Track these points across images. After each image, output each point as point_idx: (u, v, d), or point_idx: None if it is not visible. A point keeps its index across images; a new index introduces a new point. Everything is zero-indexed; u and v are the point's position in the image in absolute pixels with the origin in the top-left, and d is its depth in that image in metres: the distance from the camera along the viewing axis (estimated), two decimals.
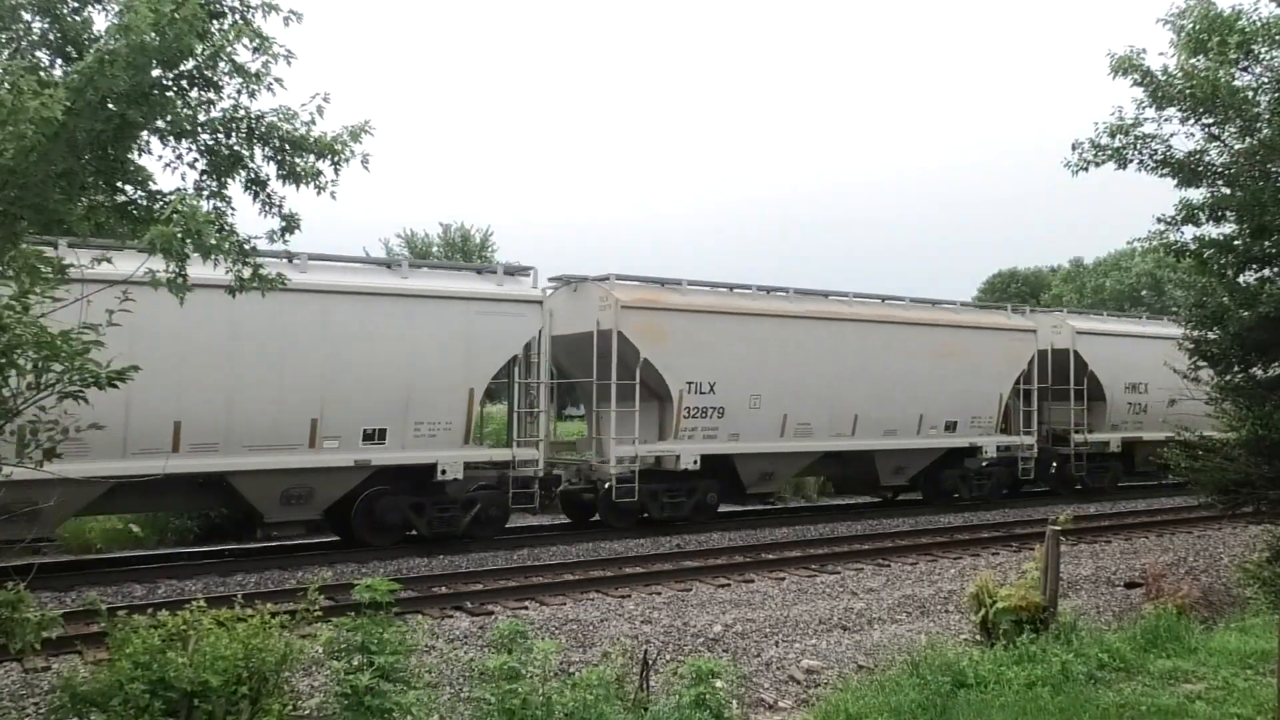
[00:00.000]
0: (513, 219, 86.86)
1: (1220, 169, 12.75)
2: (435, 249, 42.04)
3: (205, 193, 7.08)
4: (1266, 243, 12.51)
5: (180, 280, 6.53)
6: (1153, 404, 23.04)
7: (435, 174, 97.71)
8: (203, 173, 7.07)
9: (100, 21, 6.62)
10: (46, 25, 6.54)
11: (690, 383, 17.33)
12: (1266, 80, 12.40)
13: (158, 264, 6.47)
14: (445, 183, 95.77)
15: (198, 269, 6.67)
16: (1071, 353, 22.98)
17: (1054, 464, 23.44)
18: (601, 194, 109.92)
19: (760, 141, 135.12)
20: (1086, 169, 13.22)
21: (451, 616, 11.06)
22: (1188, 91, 12.18)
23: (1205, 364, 13.50)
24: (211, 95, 6.78)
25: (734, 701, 8.36)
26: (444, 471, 14.86)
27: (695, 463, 17.32)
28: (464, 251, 41.32)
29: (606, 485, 16.79)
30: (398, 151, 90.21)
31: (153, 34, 5.85)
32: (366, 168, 7.28)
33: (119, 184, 7.01)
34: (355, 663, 6.58)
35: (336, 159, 7.13)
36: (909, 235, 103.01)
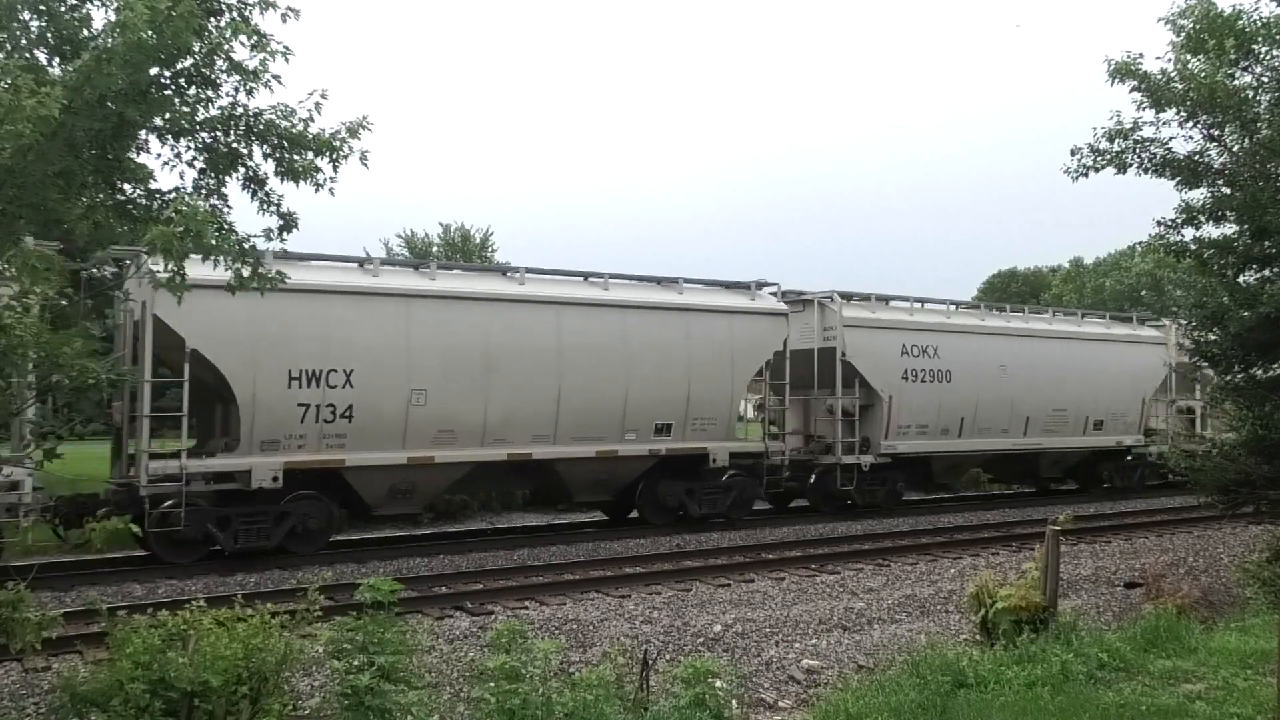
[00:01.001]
0: (506, 212, 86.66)
1: (1220, 169, 12.76)
2: (435, 249, 42.00)
3: (204, 191, 7.08)
4: (1266, 243, 12.51)
5: (179, 280, 6.53)
6: (367, 403, 14.34)
7: (431, 171, 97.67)
8: (201, 171, 7.07)
9: (99, 18, 6.62)
10: (44, 24, 6.54)
11: None
12: (1267, 80, 12.40)
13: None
14: (439, 179, 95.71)
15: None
16: (147, 323, 13.35)
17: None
18: (596, 188, 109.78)
19: (758, 136, 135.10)
20: (1086, 175, 13.24)
21: (451, 616, 11.05)
22: (1187, 93, 12.19)
23: (1207, 364, 13.51)
24: (209, 93, 6.78)
25: (734, 701, 8.34)
26: None
27: None
28: (464, 251, 41.27)
29: None
30: (395, 150, 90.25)
31: (150, 32, 5.85)
32: (365, 164, 7.28)
33: (118, 183, 7.01)
34: (357, 663, 6.57)
35: (335, 156, 7.12)
36: (909, 234, 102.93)
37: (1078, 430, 23.30)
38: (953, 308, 22.27)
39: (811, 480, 19.99)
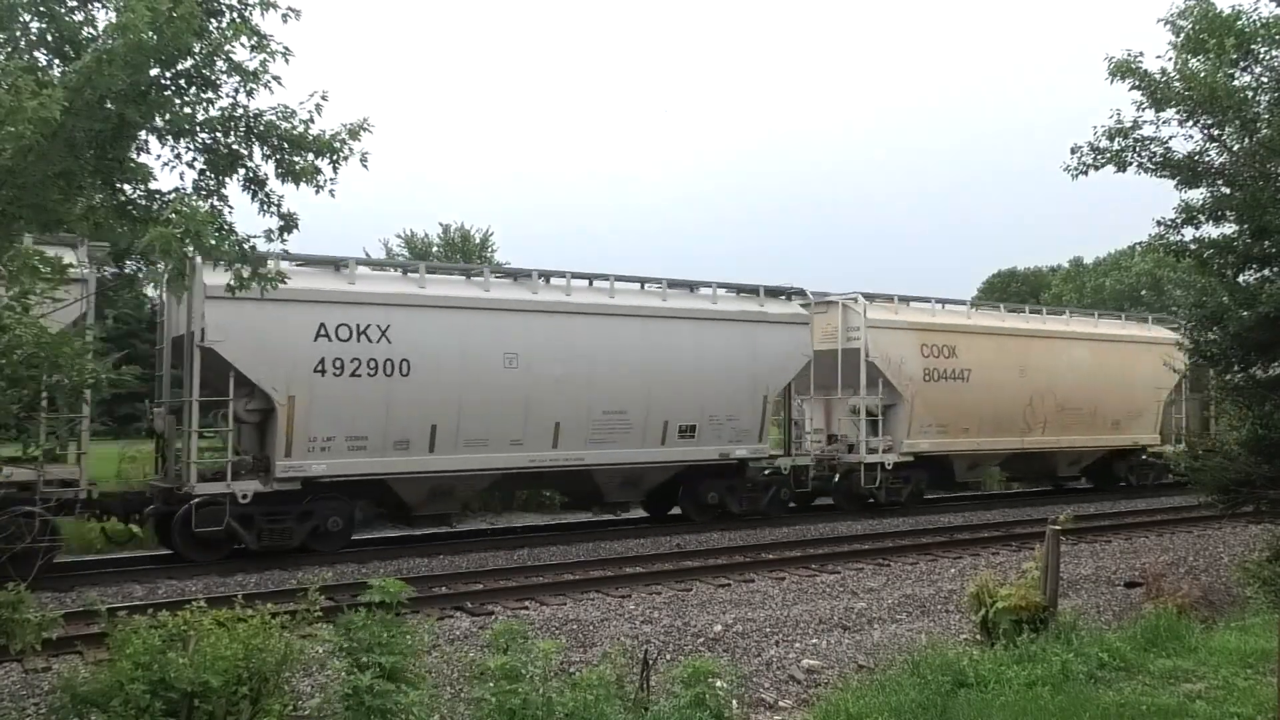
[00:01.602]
0: (506, 212, 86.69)
1: (1220, 169, 12.77)
2: (435, 249, 41.98)
3: (204, 192, 7.08)
4: (1266, 243, 12.52)
5: (179, 280, 6.53)
6: None
7: (431, 172, 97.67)
8: (201, 172, 7.07)
9: (101, 19, 6.62)
10: (44, 25, 6.54)
11: None
12: (1266, 80, 12.40)
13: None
14: (439, 179, 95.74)
15: None
16: None
17: None
18: (596, 188, 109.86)
19: (758, 136, 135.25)
20: (1086, 173, 13.24)
21: (452, 616, 11.05)
22: (1186, 93, 12.20)
23: (1206, 364, 13.52)
24: (210, 94, 6.78)
25: (734, 701, 8.34)
26: None
27: None
28: (464, 252, 41.27)
29: None
30: (396, 150, 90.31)
31: (150, 33, 5.85)
32: (365, 166, 7.28)
33: (118, 183, 7.01)
34: (363, 661, 6.57)
35: (335, 157, 7.13)
36: (909, 232, 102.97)
37: (652, 439, 17.21)
38: (459, 277, 16.81)
39: (177, 516, 13.88)
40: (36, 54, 6.66)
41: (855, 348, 20.16)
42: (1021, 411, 22.13)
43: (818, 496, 21.00)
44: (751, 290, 19.16)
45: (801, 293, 20.00)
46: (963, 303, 23.04)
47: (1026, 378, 22.12)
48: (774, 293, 19.41)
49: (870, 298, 20.78)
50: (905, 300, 21.62)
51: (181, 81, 6.65)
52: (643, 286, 18.12)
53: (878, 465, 20.04)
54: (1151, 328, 26.02)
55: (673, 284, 18.33)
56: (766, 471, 18.89)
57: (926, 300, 22.07)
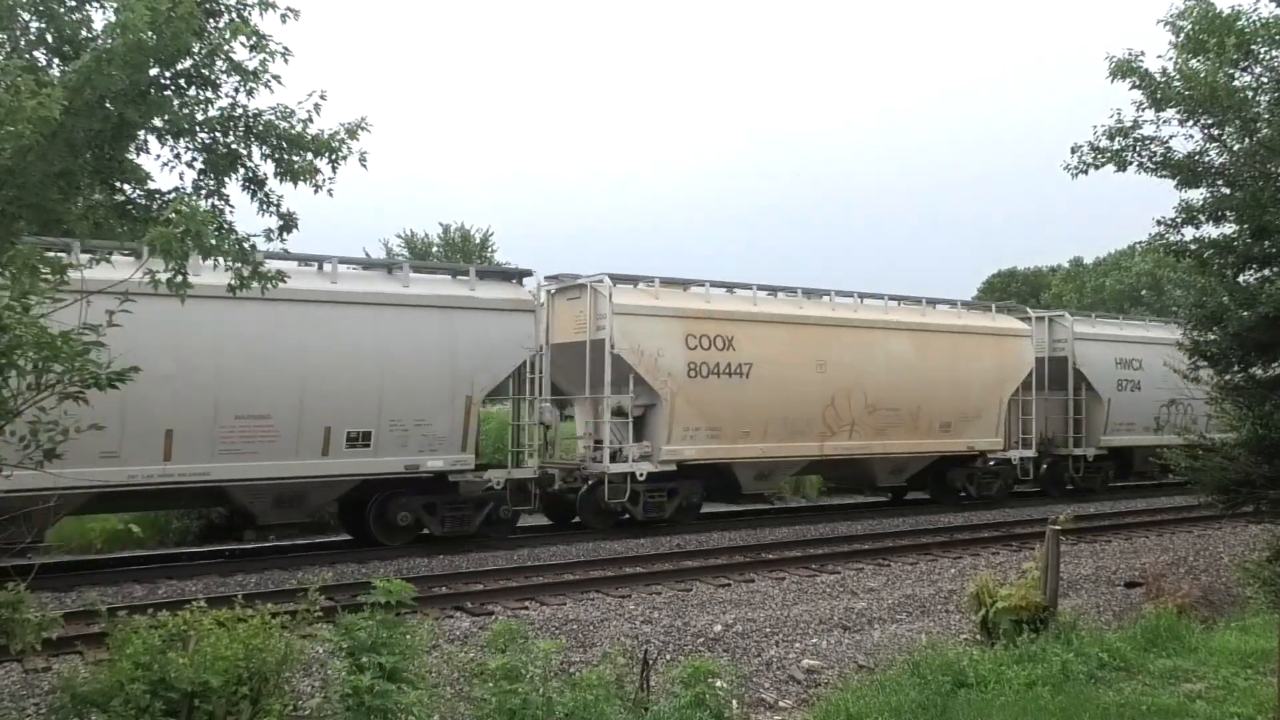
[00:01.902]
0: (508, 210, 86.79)
1: (1220, 169, 12.77)
2: (435, 249, 42.01)
3: (203, 191, 7.09)
4: (1266, 243, 12.51)
5: (180, 281, 6.53)
6: None
7: (432, 173, 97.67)
8: (200, 171, 7.07)
9: (99, 20, 6.62)
10: (44, 25, 6.54)
11: None
12: (1266, 80, 12.41)
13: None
14: (440, 180, 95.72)
15: None
16: None
17: None
18: (594, 189, 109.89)
19: (758, 133, 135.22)
20: (1086, 172, 13.25)
21: (452, 616, 11.05)
22: (1186, 93, 12.20)
23: (1206, 364, 13.51)
24: (209, 94, 6.79)
25: (734, 701, 8.35)
26: None
27: None
28: (464, 252, 41.30)
29: None
30: (398, 151, 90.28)
31: (149, 32, 5.86)
32: (364, 165, 7.29)
33: (117, 183, 7.01)
34: (362, 662, 6.58)
35: (334, 157, 7.13)
36: (908, 231, 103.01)
37: (309, 449, 13.94)
38: None
39: None
40: (36, 54, 6.66)
41: (602, 339, 16.96)
42: (820, 413, 18.83)
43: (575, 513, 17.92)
44: (463, 271, 16.20)
45: (529, 273, 16.96)
46: (749, 287, 19.03)
47: (827, 374, 18.85)
48: (495, 274, 16.59)
49: (631, 280, 17.76)
50: (677, 283, 18.34)
51: (181, 81, 6.66)
52: (320, 268, 14.56)
53: (628, 476, 16.89)
54: (995, 317, 22.73)
55: (368, 265, 15.87)
56: (488, 487, 15.76)
57: (701, 284, 18.53)
